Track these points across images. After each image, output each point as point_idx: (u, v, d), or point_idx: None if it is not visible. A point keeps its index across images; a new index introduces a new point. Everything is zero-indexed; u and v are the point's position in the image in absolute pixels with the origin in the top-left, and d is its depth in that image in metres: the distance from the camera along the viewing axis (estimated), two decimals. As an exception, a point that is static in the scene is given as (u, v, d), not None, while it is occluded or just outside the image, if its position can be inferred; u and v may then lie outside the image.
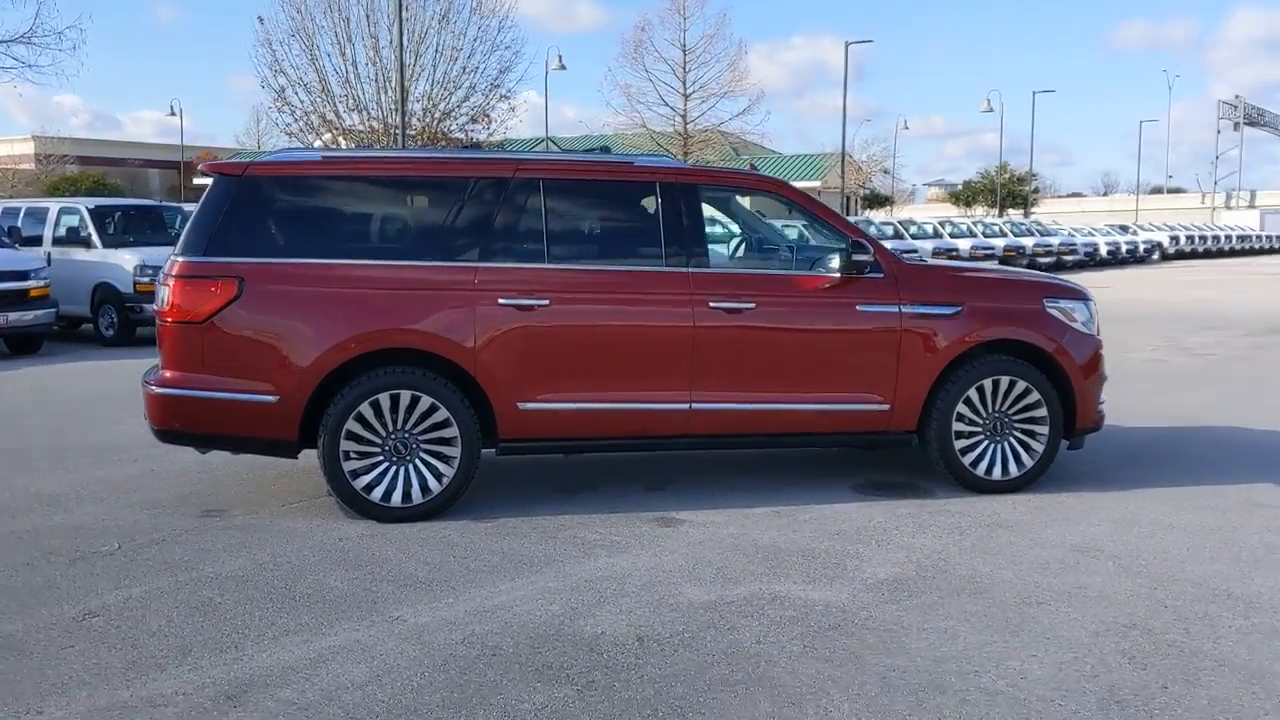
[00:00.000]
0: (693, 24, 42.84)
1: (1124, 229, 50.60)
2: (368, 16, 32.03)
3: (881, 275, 6.84)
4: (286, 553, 5.79)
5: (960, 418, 6.94)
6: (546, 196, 6.58)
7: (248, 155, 34.62)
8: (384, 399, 6.27)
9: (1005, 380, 6.97)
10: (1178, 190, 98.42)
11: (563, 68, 48.45)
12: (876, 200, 68.95)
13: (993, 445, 7.01)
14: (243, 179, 6.33)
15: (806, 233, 7.38)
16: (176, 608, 4.99)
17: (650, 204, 6.72)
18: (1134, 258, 46.72)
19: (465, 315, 6.33)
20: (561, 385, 6.48)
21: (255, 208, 6.37)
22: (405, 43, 28.97)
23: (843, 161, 47.06)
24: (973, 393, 6.94)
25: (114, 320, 15.81)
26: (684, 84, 43.04)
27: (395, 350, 6.32)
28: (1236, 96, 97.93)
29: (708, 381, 6.61)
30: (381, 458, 6.34)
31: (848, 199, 59.34)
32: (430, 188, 6.64)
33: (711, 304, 6.60)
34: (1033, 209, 69.87)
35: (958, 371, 6.91)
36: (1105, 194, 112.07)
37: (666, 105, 43.17)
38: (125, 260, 15.70)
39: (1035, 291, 7.22)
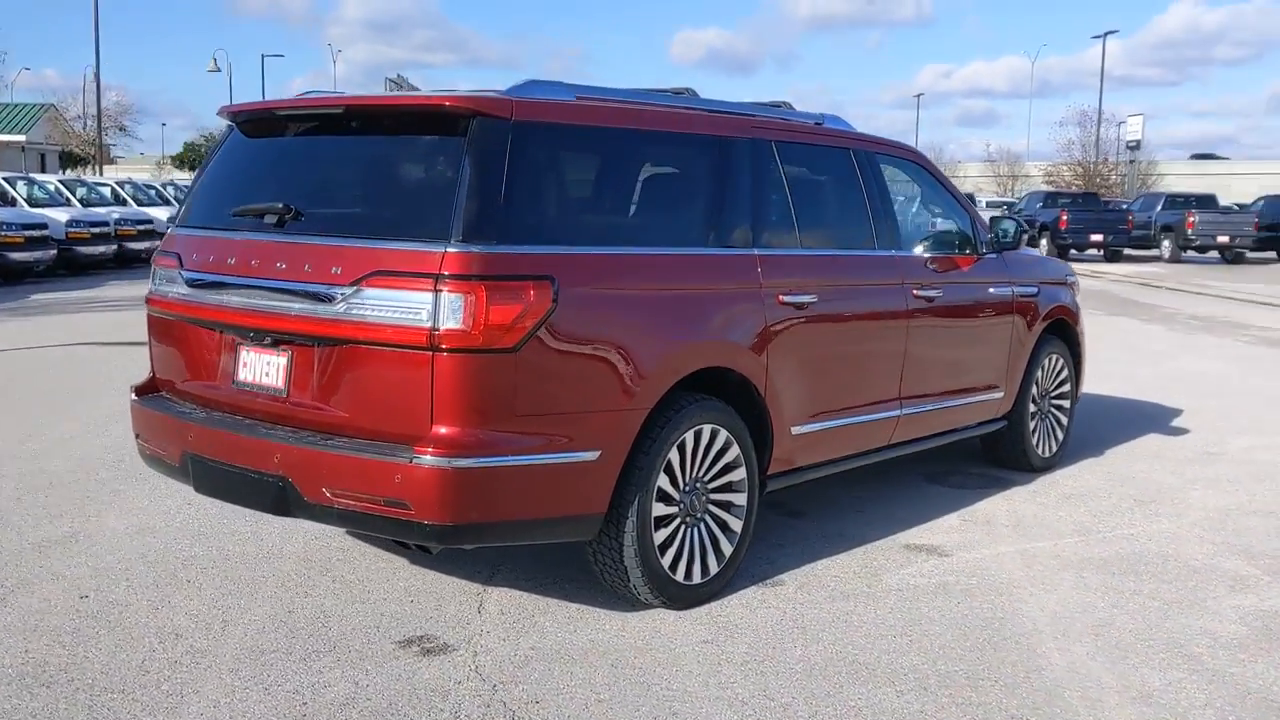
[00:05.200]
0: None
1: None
2: None
3: (996, 254, 6.52)
4: (705, 678, 3.99)
5: (1031, 399, 6.91)
6: (783, 164, 5.19)
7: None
8: (689, 439, 4.54)
9: (1054, 357, 7.08)
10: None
11: None
12: (74, 159, 61.57)
13: (1040, 424, 7.08)
14: (514, 125, 4.07)
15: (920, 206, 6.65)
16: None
17: (848, 175, 5.64)
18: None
19: (757, 319, 4.80)
20: (824, 400, 5.24)
21: (536, 170, 4.14)
22: None
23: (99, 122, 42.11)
24: (1038, 372, 6.94)
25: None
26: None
27: (698, 372, 4.59)
28: (399, 75, 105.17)
29: (911, 382, 5.80)
30: (678, 520, 4.59)
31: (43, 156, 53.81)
32: (694, 147, 4.83)
33: (915, 292, 5.78)
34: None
35: (1034, 352, 6.85)
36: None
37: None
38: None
39: (1062, 268, 7.42)
